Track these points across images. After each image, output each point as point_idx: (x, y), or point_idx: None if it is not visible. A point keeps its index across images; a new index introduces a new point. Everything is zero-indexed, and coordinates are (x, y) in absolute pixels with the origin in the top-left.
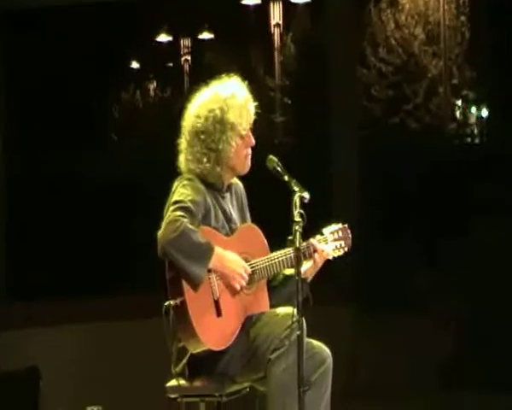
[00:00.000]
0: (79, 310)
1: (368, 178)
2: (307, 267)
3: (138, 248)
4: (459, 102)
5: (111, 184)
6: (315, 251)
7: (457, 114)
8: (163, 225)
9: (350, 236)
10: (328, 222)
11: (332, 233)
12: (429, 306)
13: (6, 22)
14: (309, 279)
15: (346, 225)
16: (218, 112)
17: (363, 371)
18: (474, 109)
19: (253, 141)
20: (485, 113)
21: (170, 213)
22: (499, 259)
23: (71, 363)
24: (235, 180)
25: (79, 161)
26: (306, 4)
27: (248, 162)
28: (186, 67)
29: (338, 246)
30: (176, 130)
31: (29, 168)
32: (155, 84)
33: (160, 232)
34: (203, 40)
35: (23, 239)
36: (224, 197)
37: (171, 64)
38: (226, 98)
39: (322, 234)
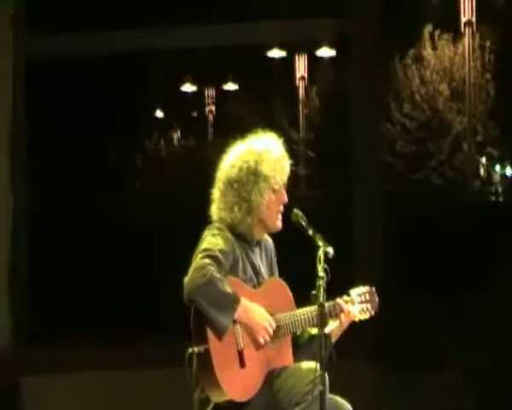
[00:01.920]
0: (99, 357)
1: (391, 234)
2: (333, 328)
3: (157, 297)
4: (483, 160)
5: (133, 230)
6: (341, 311)
7: (481, 171)
8: (190, 271)
9: (377, 299)
10: (351, 279)
11: (359, 295)
12: (454, 362)
13: (33, 66)
14: (334, 340)
15: (373, 288)
16: (252, 163)
17: None
18: (497, 167)
19: (286, 198)
20: (509, 171)
21: (198, 260)
22: None
23: None
24: (266, 236)
25: (102, 206)
26: (331, 58)
27: (280, 219)
28: (210, 117)
29: (364, 309)
30: (199, 178)
31: (53, 209)
32: (179, 133)
33: (186, 278)
34: (228, 91)
35: (45, 282)
36: (253, 251)
37: (195, 114)
38: (261, 151)
39: (348, 295)
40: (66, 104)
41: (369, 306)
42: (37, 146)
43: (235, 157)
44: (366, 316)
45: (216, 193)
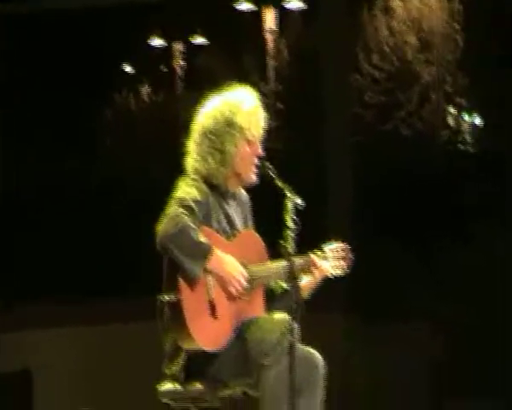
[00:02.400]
0: (73, 313)
1: (361, 185)
2: (306, 282)
3: (130, 253)
4: (452, 110)
5: (104, 186)
6: (314, 266)
7: (450, 121)
8: (163, 219)
9: (350, 255)
10: (322, 230)
11: (332, 251)
12: (424, 313)
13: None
14: (306, 294)
15: (347, 245)
16: (227, 114)
17: (355, 378)
18: (466, 117)
19: (261, 151)
20: (477, 120)
21: (171, 209)
22: (494, 264)
23: (64, 366)
24: (241, 190)
25: (72, 161)
26: (300, 10)
27: (254, 172)
28: (179, 71)
29: (338, 264)
30: (169, 133)
31: (23, 167)
32: (148, 87)
33: (159, 226)
34: (196, 45)
35: (19, 242)
36: (228, 203)
37: (164, 68)
38: (237, 103)
39: (322, 250)
40: (32, 61)
41: (342, 262)
42: (4, 104)
43: (211, 108)
44: (339, 272)
45: (191, 145)
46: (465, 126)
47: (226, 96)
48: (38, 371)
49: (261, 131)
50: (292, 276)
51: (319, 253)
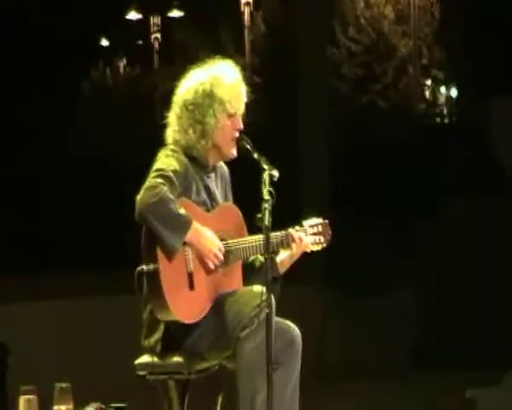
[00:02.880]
0: (49, 286)
1: (337, 158)
2: (284, 257)
3: (107, 225)
4: (428, 82)
5: (82, 159)
6: (293, 241)
7: (427, 93)
8: (142, 189)
9: (329, 231)
10: (299, 203)
11: (312, 226)
12: (400, 287)
13: None
14: (284, 269)
15: (326, 221)
16: (207, 86)
17: (332, 352)
18: (443, 89)
19: (241, 125)
20: (454, 93)
21: (150, 180)
22: (470, 238)
23: (40, 339)
24: (221, 164)
25: (50, 135)
26: None
27: (235, 146)
28: (156, 44)
29: (317, 240)
30: (146, 106)
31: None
32: (125, 61)
33: (138, 196)
34: (173, 18)
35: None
36: (208, 176)
37: (140, 42)
38: (218, 76)
39: (301, 226)
40: (8, 35)
41: (321, 238)
42: None
43: (192, 81)
44: (318, 248)
45: (171, 116)
46: (442, 99)
47: (208, 69)
48: (14, 344)
49: (242, 106)
50: (268, 249)
51: (298, 228)
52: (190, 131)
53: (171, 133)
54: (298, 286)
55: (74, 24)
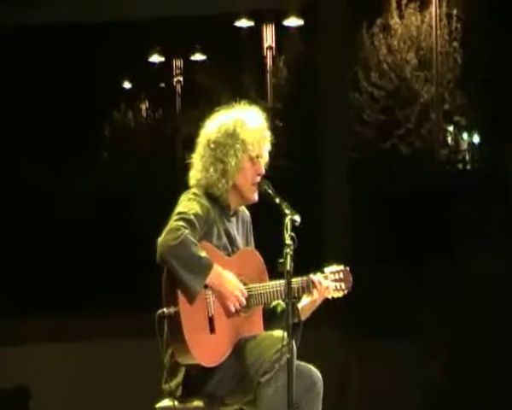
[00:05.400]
0: (71, 328)
1: (359, 203)
2: (305, 303)
3: (128, 268)
4: (451, 128)
5: (104, 201)
6: (314, 287)
7: (449, 139)
8: (164, 232)
9: (351, 278)
10: (320, 248)
11: (333, 273)
12: (420, 330)
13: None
14: (306, 316)
15: (347, 268)
16: (231, 126)
17: (352, 396)
18: (465, 135)
19: (263, 170)
20: (476, 139)
21: (172, 223)
22: (491, 284)
23: (61, 382)
24: (243, 208)
25: (68, 175)
26: (299, 28)
27: (256, 191)
28: (178, 87)
29: (338, 287)
30: (167, 149)
31: (21, 181)
32: (147, 104)
33: (160, 239)
34: (195, 61)
35: (17, 257)
36: (229, 220)
37: (163, 85)
38: (242, 118)
39: (322, 272)
40: (32, 75)
41: (342, 284)
42: (4, 120)
43: (216, 122)
44: (339, 294)
45: (195, 157)
46: (464, 145)
47: (233, 111)
48: (35, 387)
49: (265, 152)
50: (290, 294)
51: (319, 274)
52: (211, 169)
53: (193, 174)
54: (316, 329)
55: (97, 66)
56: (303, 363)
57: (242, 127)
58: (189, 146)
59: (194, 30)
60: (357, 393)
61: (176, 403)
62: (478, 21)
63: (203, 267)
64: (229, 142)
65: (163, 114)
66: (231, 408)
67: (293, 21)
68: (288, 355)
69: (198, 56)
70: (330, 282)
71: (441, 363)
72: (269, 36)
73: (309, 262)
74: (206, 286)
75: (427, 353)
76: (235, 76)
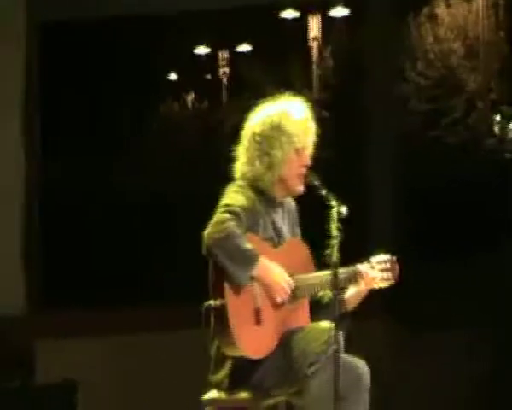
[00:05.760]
0: (118, 322)
1: (405, 194)
2: (352, 293)
3: (174, 260)
4: (497, 118)
5: (146, 195)
6: (361, 277)
7: (496, 129)
8: (210, 224)
9: (397, 268)
10: (366, 239)
11: (379, 263)
12: (468, 323)
13: (46, 31)
14: (352, 306)
15: (394, 257)
16: (276, 119)
17: (399, 388)
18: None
19: (308, 161)
20: None
21: (218, 215)
22: None
23: (108, 375)
24: (289, 199)
25: (116, 169)
26: (345, 18)
27: (301, 182)
28: (224, 79)
29: (385, 277)
30: (214, 140)
31: (64, 176)
32: (193, 96)
33: (206, 231)
34: (241, 53)
35: (60, 247)
36: (275, 211)
37: (209, 76)
38: (287, 110)
39: (369, 262)
40: (79, 69)
41: (389, 274)
42: (51, 113)
43: (261, 114)
44: (386, 284)
45: (240, 150)
46: (511, 134)
47: (278, 103)
48: (83, 382)
49: (310, 143)
50: (337, 285)
51: (366, 264)
52: (257, 162)
53: (239, 166)
54: (363, 321)
55: (142, 59)
56: (350, 356)
57: (287, 119)
58: (235, 138)
59: (240, 21)
60: (404, 386)
61: (223, 395)
62: None
63: (249, 259)
64: (274, 134)
65: (209, 106)
66: (277, 400)
67: (338, 11)
68: (335, 347)
69: (244, 48)
70: (377, 272)
71: (489, 358)
72: (314, 26)
73: (355, 253)
74: (252, 278)
75: (475, 347)
76: (280, 67)
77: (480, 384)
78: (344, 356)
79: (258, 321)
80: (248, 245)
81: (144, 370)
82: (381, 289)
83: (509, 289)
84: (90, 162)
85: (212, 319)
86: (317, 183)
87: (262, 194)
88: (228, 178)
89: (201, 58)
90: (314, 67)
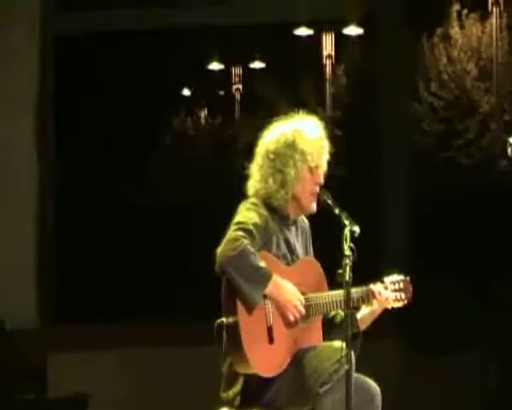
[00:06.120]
0: (129, 335)
1: (418, 213)
2: (365, 313)
3: (187, 275)
4: (511, 139)
5: (159, 208)
6: (373, 297)
7: (509, 150)
8: (223, 242)
9: (411, 288)
10: (379, 259)
11: (393, 283)
12: (477, 342)
13: (62, 45)
14: (365, 326)
15: (408, 278)
16: (290, 137)
17: (409, 409)
18: None
19: (322, 180)
20: None
21: (231, 233)
22: None
23: (119, 390)
24: (302, 217)
25: (129, 182)
26: (359, 36)
27: (314, 201)
28: (237, 95)
29: (398, 297)
30: (225, 156)
31: (80, 191)
32: (206, 111)
33: (219, 249)
34: (254, 69)
35: (73, 260)
36: (289, 229)
37: (222, 92)
38: (301, 128)
39: (382, 282)
40: (93, 82)
41: (402, 295)
42: (65, 122)
43: (275, 132)
44: (399, 304)
45: (253, 168)
46: None
47: (292, 122)
48: (94, 395)
49: (324, 162)
50: (349, 304)
51: (379, 284)
52: (270, 180)
53: (252, 184)
54: (374, 341)
55: (157, 73)
56: (362, 376)
57: (301, 138)
58: (248, 154)
59: (254, 38)
60: (413, 407)
61: None
62: None
63: (262, 278)
64: (288, 152)
65: (222, 122)
66: None
67: (352, 30)
68: (347, 366)
69: (257, 64)
70: (390, 292)
71: (498, 375)
72: (328, 44)
73: (368, 272)
74: (265, 296)
75: (489, 368)
76: (293, 84)
77: (488, 402)
78: (356, 375)
79: (270, 339)
80: (262, 263)
81: (155, 385)
82: (394, 310)
83: None
84: (104, 176)
85: (225, 337)
86: (330, 201)
87: (275, 211)
88: (241, 194)
89: (215, 74)
90: (327, 84)
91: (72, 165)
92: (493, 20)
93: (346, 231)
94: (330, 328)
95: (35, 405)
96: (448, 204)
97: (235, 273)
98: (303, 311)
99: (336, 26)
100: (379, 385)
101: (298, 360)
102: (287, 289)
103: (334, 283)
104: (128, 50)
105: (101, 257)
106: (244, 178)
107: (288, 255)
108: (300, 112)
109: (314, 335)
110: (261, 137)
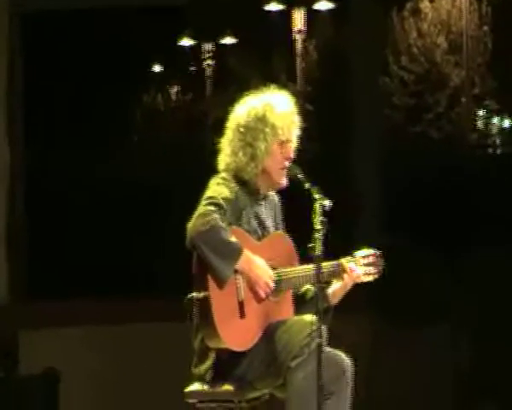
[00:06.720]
0: (100, 311)
1: (389, 187)
2: (336, 287)
3: (158, 250)
4: (481, 112)
5: (130, 185)
6: (344, 272)
7: (479, 123)
8: (193, 217)
9: (382, 263)
10: (350, 233)
11: (363, 257)
12: (449, 315)
13: (29, 22)
14: (336, 300)
15: (378, 252)
16: (260, 110)
17: (381, 382)
18: (495, 119)
19: (292, 154)
20: (507, 123)
21: (201, 207)
22: None
23: (90, 365)
24: (272, 193)
25: (99, 160)
26: (329, 11)
27: (284, 175)
28: (208, 71)
29: (368, 271)
30: (198, 132)
31: (48, 166)
32: (177, 87)
33: (189, 224)
34: (225, 45)
35: (44, 236)
36: (259, 204)
37: (193, 68)
38: (272, 102)
39: (353, 256)
40: (62, 60)
41: (373, 269)
42: (35, 102)
43: (245, 106)
44: (370, 279)
45: (224, 142)
46: (494, 129)
47: (262, 96)
48: (64, 371)
49: (294, 136)
50: (320, 279)
51: (350, 258)
52: (240, 153)
53: (222, 158)
54: (345, 315)
55: (127, 50)
56: (333, 350)
57: (272, 112)
58: (219, 130)
59: (225, 13)
60: (385, 380)
61: (205, 387)
62: (508, 5)
63: (233, 253)
64: (258, 126)
65: (193, 98)
66: (261, 392)
67: (323, 5)
68: (318, 340)
69: (228, 40)
70: (361, 266)
71: (473, 350)
72: (299, 19)
73: (339, 247)
74: (236, 271)
75: (460, 340)
76: (265, 60)
77: (461, 375)
78: (327, 349)
79: (241, 314)
80: (232, 238)
81: (127, 361)
82: (365, 283)
83: (492, 281)
84: (73, 151)
85: (196, 312)
86: (300, 176)
87: (245, 186)
88: (212, 170)
89: (186, 50)
90: (298, 60)
91: (41, 147)
92: None
93: (317, 205)
94: (301, 303)
95: (6, 382)
96: (419, 178)
97: (206, 248)
98: (273, 286)
99: (307, 1)
100: (351, 359)
101: (269, 334)
102: (257, 265)
103: (305, 257)
104: (98, 29)
105: (72, 234)
106: (215, 153)
107: (259, 230)
108: (271, 87)
109: (285, 309)
110: (232, 111)
